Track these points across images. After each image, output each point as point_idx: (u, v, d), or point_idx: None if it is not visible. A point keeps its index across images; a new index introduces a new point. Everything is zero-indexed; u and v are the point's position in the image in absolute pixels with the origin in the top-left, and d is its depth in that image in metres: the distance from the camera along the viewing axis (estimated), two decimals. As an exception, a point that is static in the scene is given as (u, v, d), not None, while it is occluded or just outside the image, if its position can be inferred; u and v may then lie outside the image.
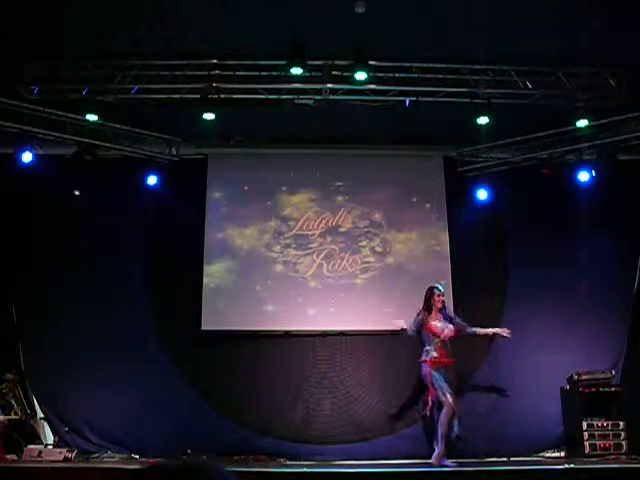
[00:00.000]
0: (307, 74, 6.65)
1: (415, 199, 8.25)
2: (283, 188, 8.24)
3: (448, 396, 6.07)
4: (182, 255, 8.03)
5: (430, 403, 6.28)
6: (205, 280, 7.88)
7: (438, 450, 6.10)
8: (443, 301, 6.51)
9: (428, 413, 6.34)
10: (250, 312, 7.81)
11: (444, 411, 6.08)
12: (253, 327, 7.76)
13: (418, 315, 6.43)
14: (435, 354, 6.25)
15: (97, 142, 7.68)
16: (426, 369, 6.25)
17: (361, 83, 6.69)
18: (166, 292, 7.85)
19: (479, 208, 8.13)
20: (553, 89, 6.88)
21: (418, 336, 6.44)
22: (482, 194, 8.15)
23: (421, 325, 6.39)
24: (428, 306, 6.45)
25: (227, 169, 8.29)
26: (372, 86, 6.85)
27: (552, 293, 7.62)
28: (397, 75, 6.79)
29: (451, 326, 6.39)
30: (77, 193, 7.86)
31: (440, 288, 6.57)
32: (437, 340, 6.31)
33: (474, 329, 6.51)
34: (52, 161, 7.68)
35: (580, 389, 6.94)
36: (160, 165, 8.12)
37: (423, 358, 6.30)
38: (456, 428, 6.11)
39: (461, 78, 6.87)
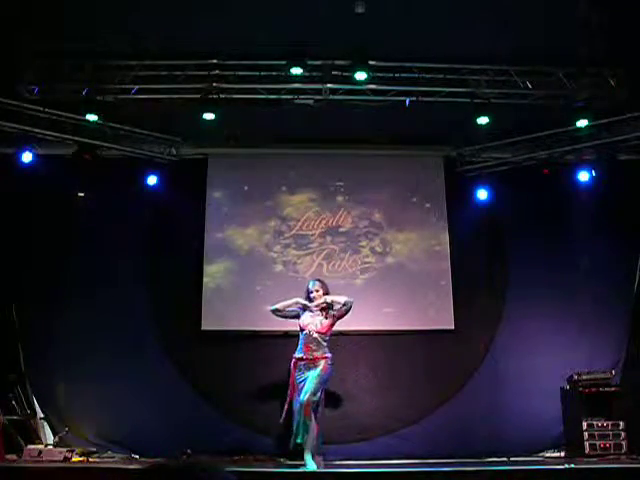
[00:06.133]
0: (307, 74, 6.65)
1: (415, 199, 8.25)
2: (283, 188, 8.23)
3: (304, 398, 5.75)
4: (182, 255, 8.04)
5: (287, 406, 6.04)
6: (205, 280, 7.89)
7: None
8: (321, 296, 6.17)
9: (285, 416, 6.06)
10: (250, 312, 7.79)
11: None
12: (253, 327, 7.75)
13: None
14: (297, 353, 6.03)
15: (97, 142, 7.68)
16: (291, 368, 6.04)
17: (361, 83, 6.69)
18: (166, 292, 7.85)
19: (479, 208, 8.14)
20: (553, 89, 6.88)
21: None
22: (482, 194, 8.16)
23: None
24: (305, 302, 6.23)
25: (227, 169, 8.29)
26: (372, 86, 6.85)
27: (552, 293, 7.64)
28: (397, 75, 6.79)
29: (325, 321, 6.08)
30: (81, 194, 7.87)
31: (312, 283, 6.32)
32: (304, 335, 6.05)
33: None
34: (52, 161, 7.69)
35: (580, 389, 6.93)
36: (160, 165, 8.12)
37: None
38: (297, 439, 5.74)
39: (461, 78, 6.87)
